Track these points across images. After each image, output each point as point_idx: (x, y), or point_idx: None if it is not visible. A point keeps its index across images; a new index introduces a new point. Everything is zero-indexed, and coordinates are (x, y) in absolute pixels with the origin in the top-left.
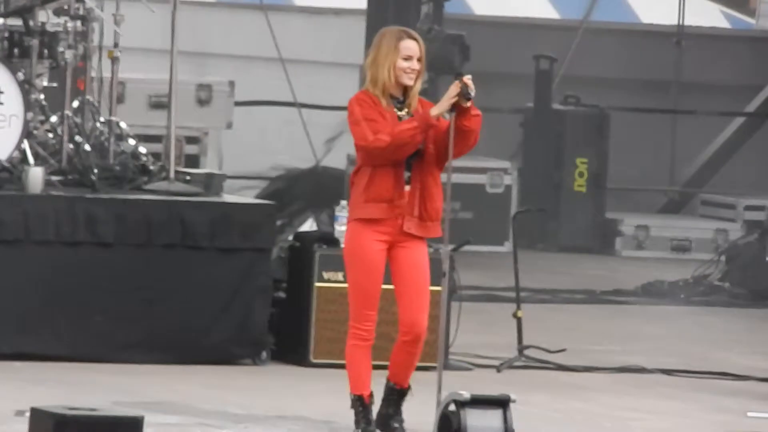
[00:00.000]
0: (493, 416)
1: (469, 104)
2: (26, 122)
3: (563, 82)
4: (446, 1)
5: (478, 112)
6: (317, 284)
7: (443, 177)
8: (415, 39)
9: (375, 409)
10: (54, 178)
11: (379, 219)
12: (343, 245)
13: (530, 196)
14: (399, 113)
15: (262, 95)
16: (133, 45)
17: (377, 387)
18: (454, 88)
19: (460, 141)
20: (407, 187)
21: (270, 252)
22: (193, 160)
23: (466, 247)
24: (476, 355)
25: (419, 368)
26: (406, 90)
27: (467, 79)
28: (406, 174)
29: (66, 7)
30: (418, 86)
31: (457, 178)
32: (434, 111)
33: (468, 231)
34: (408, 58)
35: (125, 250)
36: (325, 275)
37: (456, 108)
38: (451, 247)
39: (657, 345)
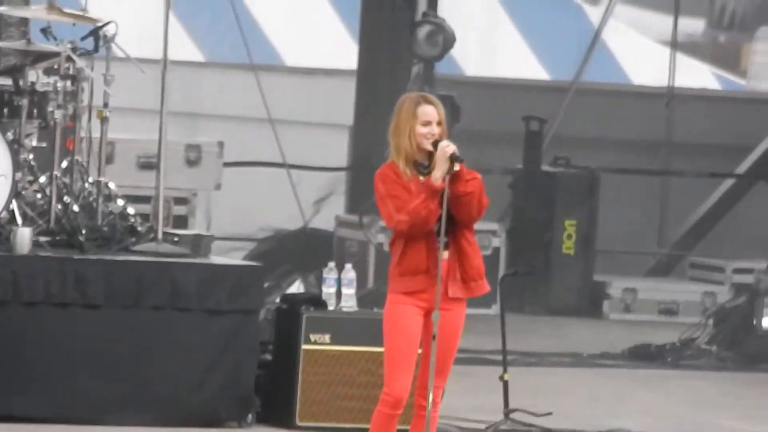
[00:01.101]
0: None
1: (457, 168)
2: (15, 182)
3: (553, 143)
4: (437, 62)
5: (475, 175)
6: (304, 347)
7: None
8: (432, 104)
9: None
10: (42, 238)
11: (417, 290)
12: (383, 311)
13: (519, 259)
14: (423, 179)
15: (251, 156)
16: (123, 105)
17: None
18: (444, 150)
19: (462, 207)
20: (446, 254)
21: (257, 314)
22: (181, 221)
23: None
24: (463, 419)
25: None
26: (431, 155)
27: (446, 146)
28: (444, 240)
29: (56, 66)
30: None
31: None
32: (436, 174)
33: None
34: (427, 123)
35: (114, 312)
36: (312, 338)
37: (448, 174)
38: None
39: (644, 409)
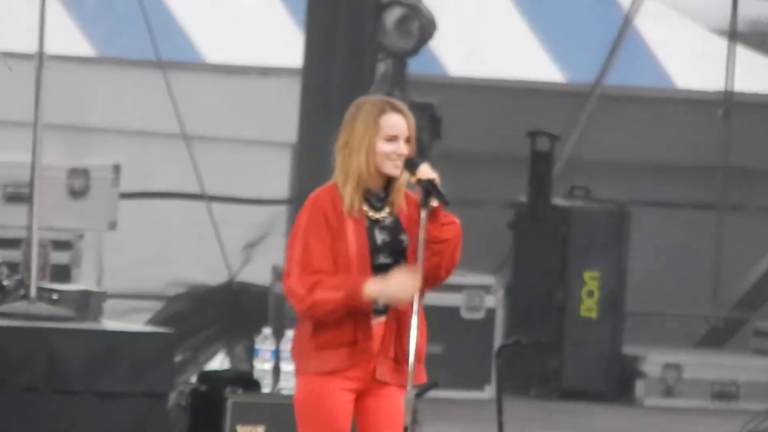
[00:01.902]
0: None
1: (436, 204)
2: None
3: (569, 167)
4: (410, 58)
5: (453, 219)
6: None
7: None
8: (401, 112)
9: None
10: None
11: (339, 369)
12: (294, 397)
13: (522, 324)
14: (376, 215)
15: (157, 184)
16: None
17: None
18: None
19: (431, 259)
20: (380, 319)
21: (166, 398)
22: (62, 273)
23: (434, 393)
24: None
25: None
26: (390, 182)
27: (426, 170)
28: (383, 302)
29: None
30: (406, 177)
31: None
32: (372, 288)
33: (437, 371)
34: (392, 139)
35: None
36: (241, 430)
37: (425, 209)
38: (414, 392)
39: None
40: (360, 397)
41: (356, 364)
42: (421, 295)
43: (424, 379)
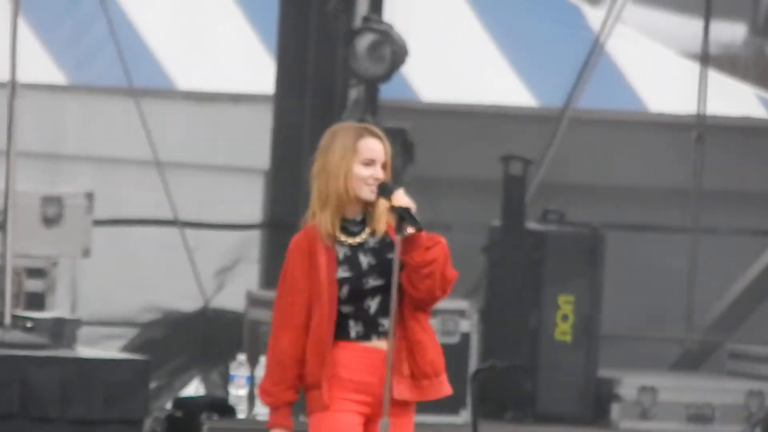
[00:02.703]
0: None
1: (411, 231)
2: None
3: (542, 191)
4: (382, 83)
5: (438, 239)
6: None
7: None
8: (378, 137)
9: None
10: None
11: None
12: (311, 422)
13: (496, 348)
14: (355, 240)
15: (131, 211)
16: None
17: None
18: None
19: (422, 281)
20: (383, 342)
21: (141, 425)
22: (36, 301)
23: None
24: None
25: None
26: (366, 210)
27: (400, 197)
28: (386, 322)
29: None
30: (385, 202)
31: None
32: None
33: None
34: (370, 163)
35: None
36: None
37: (399, 235)
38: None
39: None
40: (368, 421)
41: (357, 390)
42: (425, 312)
43: (449, 390)
